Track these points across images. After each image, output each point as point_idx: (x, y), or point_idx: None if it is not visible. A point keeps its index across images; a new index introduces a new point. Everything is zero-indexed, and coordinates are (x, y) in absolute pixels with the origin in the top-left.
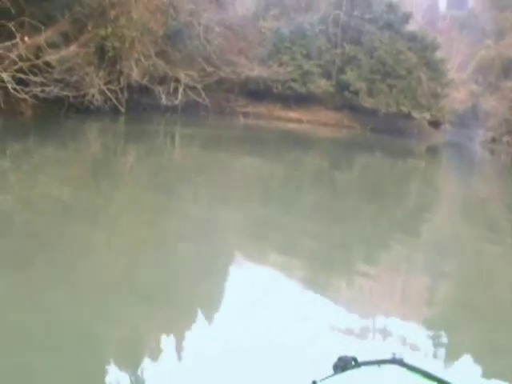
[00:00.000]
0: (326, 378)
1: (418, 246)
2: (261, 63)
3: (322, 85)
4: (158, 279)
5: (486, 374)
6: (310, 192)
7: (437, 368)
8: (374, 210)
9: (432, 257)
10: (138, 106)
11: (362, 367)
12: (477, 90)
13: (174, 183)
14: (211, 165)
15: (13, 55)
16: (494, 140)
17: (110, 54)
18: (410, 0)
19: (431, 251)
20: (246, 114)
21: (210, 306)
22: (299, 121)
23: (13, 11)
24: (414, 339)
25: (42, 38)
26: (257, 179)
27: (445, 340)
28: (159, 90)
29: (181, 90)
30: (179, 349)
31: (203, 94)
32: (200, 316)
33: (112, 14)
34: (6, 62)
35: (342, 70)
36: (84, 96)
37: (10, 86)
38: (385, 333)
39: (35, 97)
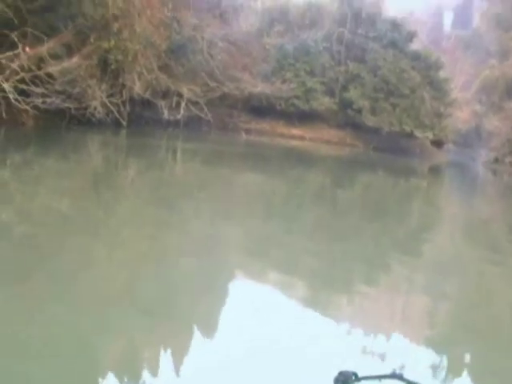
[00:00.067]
0: None
1: (419, 266)
2: (264, 79)
3: (325, 102)
4: (159, 293)
5: None
6: (312, 209)
7: None
8: (375, 229)
9: (433, 277)
10: (140, 119)
11: (363, 382)
12: (480, 109)
13: (175, 198)
14: (213, 180)
15: (14, 65)
16: (496, 160)
17: (112, 67)
18: (415, 19)
19: (432, 271)
20: (248, 131)
21: (210, 321)
22: (302, 138)
23: (16, 21)
24: (414, 358)
25: (44, 49)
26: (259, 196)
27: (444, 359)
28: (161, 104)
29: (183, 104)
30: (178, 363)
31: (205, 109)
32: (200, 332)
33: (115, 26)
34: (8, 72)
35: (345, 88)
36: (86, 108)
37: (11, 96)
38: (385, 350)
39: (36, 108)
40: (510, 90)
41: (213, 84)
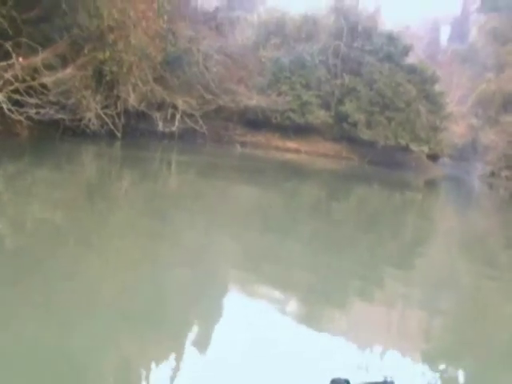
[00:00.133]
0: None
1: (415, 281)
2: (260, 92)
3: (320, 116)
4: (150, 305)
5: None
6: (307, 222)
7: None
8: (370, 243)
9: (427, 291)
10: (135, 131)
11: None
12: (476, 123)
13: (169, 210)
14: (207, 192)
15: (8, 75)
16: (492, 174)
17: (107, 78)
18: (411, 33)
19: (427, 285)
20: (243, 143)
21: (201, 333)
22: (297, 151)
23: (10, 31)
24: (406, 368)
25: (38, 59)
26: (253, 208)
27: (437, 371)
28: (156, 116)
29: (178, 116)
30: (169, 373)
31: (201, 122)
32: (190, 344)
33: (110, 37)
34: (2, 82)
35: (341, 101)
36: (80, 120)
37: (5, 106)
38: (377, 361)
39: (30, 118)
40: (507, 104)
41: (208, 96)
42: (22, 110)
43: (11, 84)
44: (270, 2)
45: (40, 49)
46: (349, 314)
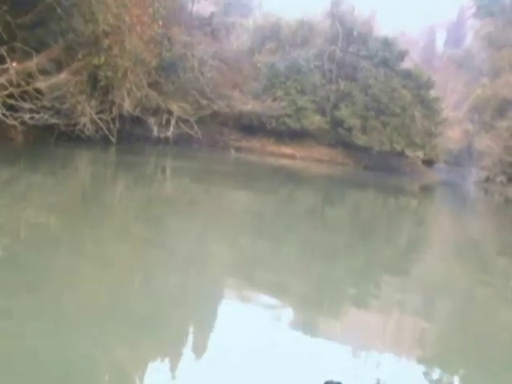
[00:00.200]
0: None
1: (409, 287)
2: (255, 98)
3: (315, 121)
4: (146, 309)
5: None
6: (302, 228)
7: None
8: (365, 248)
9: (422, 297)
10: (129, 136)
11: None
12: (472, 128)
13: (163, 215)
14: (202, 198)
15: (3, 80)
16: (488, 179)
17: (102, 83)
18: (407, 38)
19: (421, 291)
20: (238, 148)
21: (196, 339)
22: (292, 156)
23: (4, 36)
24: (399, 373)
25: (33, 64)
26: (248, 214)
27: (430, 377)
28: (151, 121)
29: (173, 122)
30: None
31: (196, 127)
32: (185, 349)
33: (105, 43)
34: None
35: (336, 107)
36: (75, 125)
37: None
38: (370, 365)
39: (24, 123)
40: (502, 109)
41: (203, 102)
42: (16, 114)
43: (5, 89)
44: (266, 7)
45: (34, 53)
46: (342, 320)
